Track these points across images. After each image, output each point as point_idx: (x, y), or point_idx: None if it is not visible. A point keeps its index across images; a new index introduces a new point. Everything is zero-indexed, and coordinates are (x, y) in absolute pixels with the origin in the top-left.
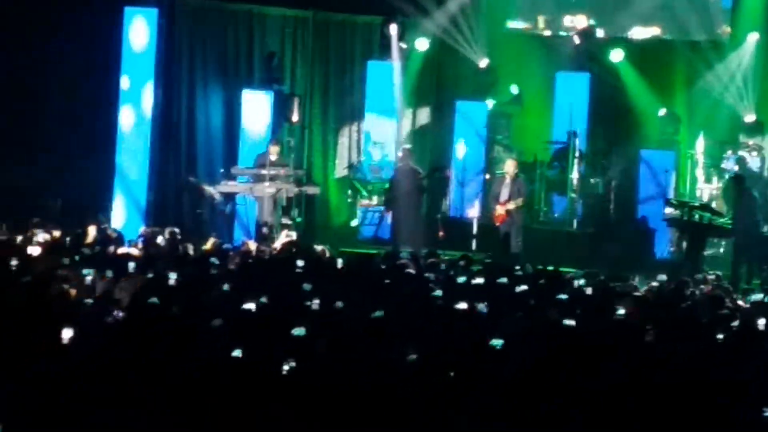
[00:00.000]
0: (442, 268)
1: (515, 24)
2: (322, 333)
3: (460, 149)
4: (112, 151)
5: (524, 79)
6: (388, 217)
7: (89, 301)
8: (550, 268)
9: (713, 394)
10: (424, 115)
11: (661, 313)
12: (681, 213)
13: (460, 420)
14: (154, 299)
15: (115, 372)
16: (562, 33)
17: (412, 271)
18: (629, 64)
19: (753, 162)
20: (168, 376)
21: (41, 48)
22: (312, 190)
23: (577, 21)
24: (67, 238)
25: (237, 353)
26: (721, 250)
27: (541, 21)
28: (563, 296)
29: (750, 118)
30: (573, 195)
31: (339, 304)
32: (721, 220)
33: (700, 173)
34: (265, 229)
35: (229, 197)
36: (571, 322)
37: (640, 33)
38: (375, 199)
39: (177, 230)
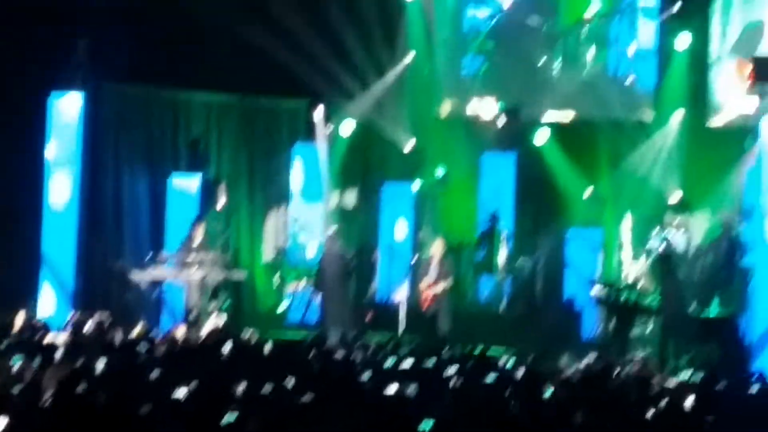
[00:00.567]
0: (370, 352)
1: (441, 107)
2: (251, 419)
3: (398, 231)
4: (38, 235)
5: (450, 160)
6: (316, 301)
7: (17, 389)
8: (478, 350)
9: None
10: (351, 198)
11: (590, 394)
12: (608, 293)
13: None
14: (81, 387)
15: None
16: (487, 114)
17: (339, 355)
18: (554, 145)
19: (679, 241)
20: None
21: None
22: (239, 275)
23: (488, 104)
24: None
25: None
26: (648, 329)
27: (465, 103)
28: (491, 378)
29: (675, 196)
30: (500, 276)
31: (267, 389)
32: (649, 299)
33: (626, 253)
34: (192, 315)
35: (156, 283)
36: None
37: (564, 114)
38: (302, 283)
39: (105, 316)
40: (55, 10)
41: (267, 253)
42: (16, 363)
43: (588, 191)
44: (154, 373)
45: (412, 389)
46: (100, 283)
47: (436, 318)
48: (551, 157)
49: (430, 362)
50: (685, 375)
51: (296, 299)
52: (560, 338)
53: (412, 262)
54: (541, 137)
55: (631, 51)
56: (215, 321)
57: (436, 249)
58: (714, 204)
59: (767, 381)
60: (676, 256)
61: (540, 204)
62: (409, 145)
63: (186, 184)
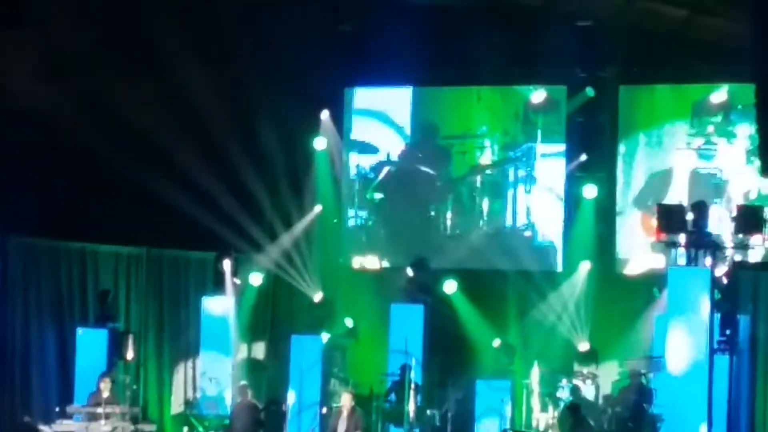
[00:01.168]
0: None
1: (351, 259)
2: None
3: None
4: None
5: (359, 311)
6: None
7: None
8: None
9: None
10: (260, 350)
11: None
12: None
13: None
14: None
15: None
16: (395, 266)
17: None
18: (462, 295)
19: (587, 390)
20: None
21: None
22: (148, 427)
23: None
24: None
25: None
26: None
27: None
28: None
29: (584, 346)
30: (410, 427)
31: None
32: None
33: (535, 402)
34: None
35: None
36: None
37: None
38: None
39: None
40: None
41: (176, 405)
42: None
43: (496, 341)
44: None
45: None
46: None
47: None
48: (460, 307)
49: None
50: None
51: None
52: None
53: (322, 413)
54: (449, 287)
55: (531, 200)
56: None
57: (346, 400)
58: (622, 353)
59: None
60: (585, 405)
61: (449, 354)
62: (317, 297)
63: (94, 336)
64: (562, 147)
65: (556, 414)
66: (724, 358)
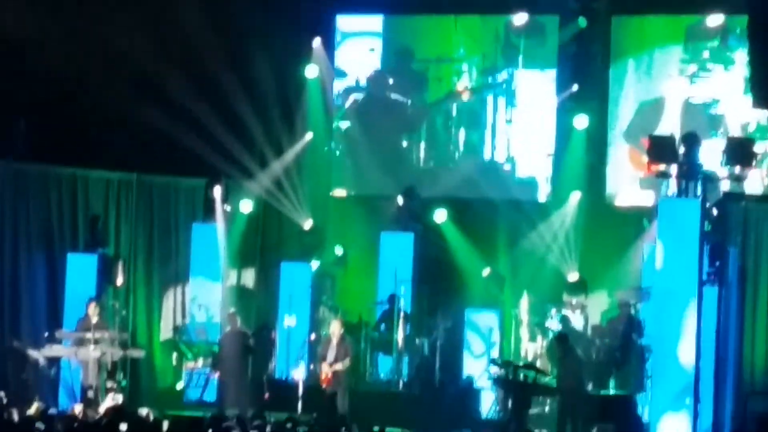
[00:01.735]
0: (268, 430)
1: (338, 192)
2: None
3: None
4: None
5: (348, 239)
6: (214, 379)
7: None
8: (376, 429)
9: None
10: (249, 277)
11: None
12: (506, 372)
13: None
14: None
15: None
16: (385, 194)
17: None
18: (453, 224)
19: (576, 320)
20: None
21: None
22: (136, 353)
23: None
24: None
25: None
26: (546, 408)
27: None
28: None
29: (573, 276)
30: (398, 355)
31: None
32: (546, 378)
33: (524, 332)
34: (90, 393)
35: (54, 361)
36: None
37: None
38: (200, 362)
39: (1, 395)
40: None
41: (165, 332)
42: None
43: (486, 271)
44: None
45: None
46: None
47: (335, 397)
48: (450, 236)
49: None
50: None
51: (194, 377)
52: (458, 417)
53: (311, 341)
54: (439, 216)
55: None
56: (113, 399)
57: (335, 328)
58: (611, 284)
59: None
60: (573, 335)
61: (438, 283)
62: (307, 225)
63: (84, 261)
64: (546, 73)
65: (544, 344)
66: (713, 290)
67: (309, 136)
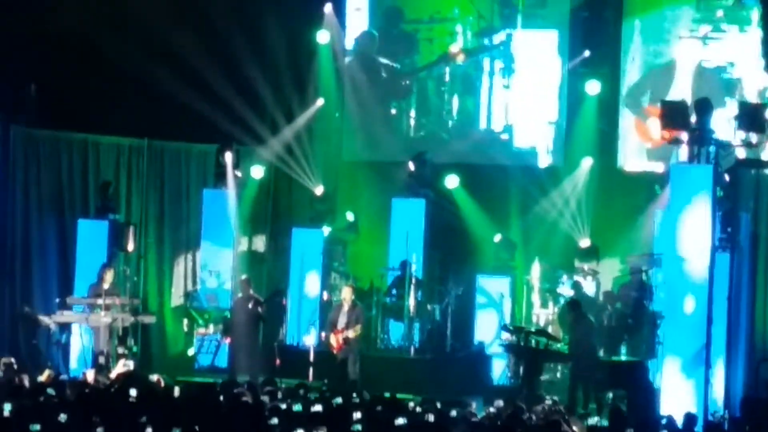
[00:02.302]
0: (280, 396)
1: (350, 156)
2: None
3: (308, 276)
4: None
5: (360, 205)
6: (226, 345)
7: None
8: (387, 394)
9: None
10: (260, 243)
11: None
12: (517, 338)
13: None
14: None
15: None
16: (397, 160)
17: (249, 399)
18: (464, 190)
19: (588, 286)
20: None
21: None
22: (148, 319)
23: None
24: None
25: None
26: (558, 374)
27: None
28: (401, 421)
29: (584, 242)
30: (410, 321)
31: None
32: (558, 345)
33: (536, 298)
34: (101, 359)
35: (65, 327)
36: None
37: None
38: (211, 328)
39: (12, 361)
40: None
41: (176, 298)
42: None
43: (497, 237)
44: (63, 417)
45: None
46: (8, 327)
47: (346, 363)
48: (461, 202)
49: (340, 406)
50: (594, 419)
51: (205, 343)
52: (470, 383)
53: (322, 306)
54: (451, 182)
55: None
56: (124, 365)
57: (346, 294)
58: (623, 250)
59: (676, 425)
60: (585, 301)
61: (450, 249)
62: (318, 191)
63: (95, 227)
64: (547, 33)
65: (556, 310)
66: (724, 256)
67: (320, 102)
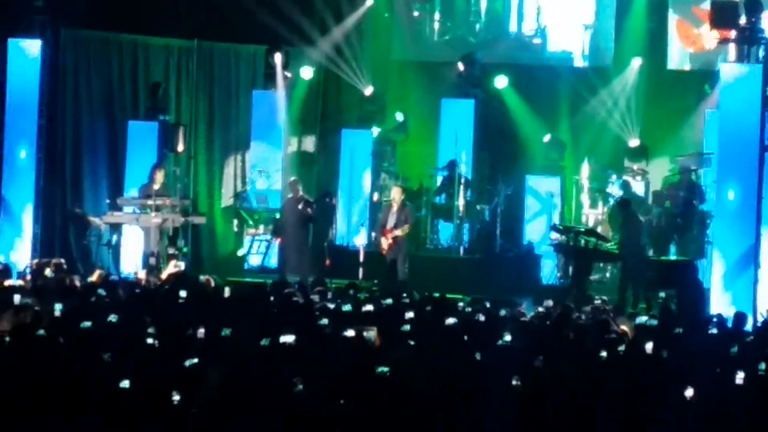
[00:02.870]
0: (330, 297)
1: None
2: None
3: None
4: None
5: (409, 106)
6: (276, 246)
7: None
8: (437, 294)
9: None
10: (310, 144)
11: (548, 339)
12: (567, 238)
13: None
14: (41, 331)
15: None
16: (446, 60)
17: (299, 299)
18: (513, 91)
19: (637, 186)
20: (55, 407)
21: None
22: (198, 219)
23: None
24: None
25: (125, 384)
26: (608, 274)
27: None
28: (451, 321)
29: (634, 142)
30: (459, 222)
31: (226, 332)
32: (607, 244)
33: (585, 198)
34: (152, 260)
35: (115, 228)
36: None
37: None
38: (261, 228)
39: (63, 261)
40: None
41: (226, 198)
42: None
43: (547, 137)
44: (113, 317)
45: (371, 333)
46: (59, 228)
47: (396, 263)
48: (510, 102)
49: (390, 306)
50: (643, 319)
51: (255, 244)
52: (519, 283)
53: (372, 206)
54: (500, 82)
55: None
56: (175, 265)
57: (396, 194)
58: (673, 149)
59: (726, 324)
60: (634, 202)
61: (499, 150)
62: (368, 91)
63: (145, 128)
64: None
65: (605, 210)
66: None
67: (369, 1)
